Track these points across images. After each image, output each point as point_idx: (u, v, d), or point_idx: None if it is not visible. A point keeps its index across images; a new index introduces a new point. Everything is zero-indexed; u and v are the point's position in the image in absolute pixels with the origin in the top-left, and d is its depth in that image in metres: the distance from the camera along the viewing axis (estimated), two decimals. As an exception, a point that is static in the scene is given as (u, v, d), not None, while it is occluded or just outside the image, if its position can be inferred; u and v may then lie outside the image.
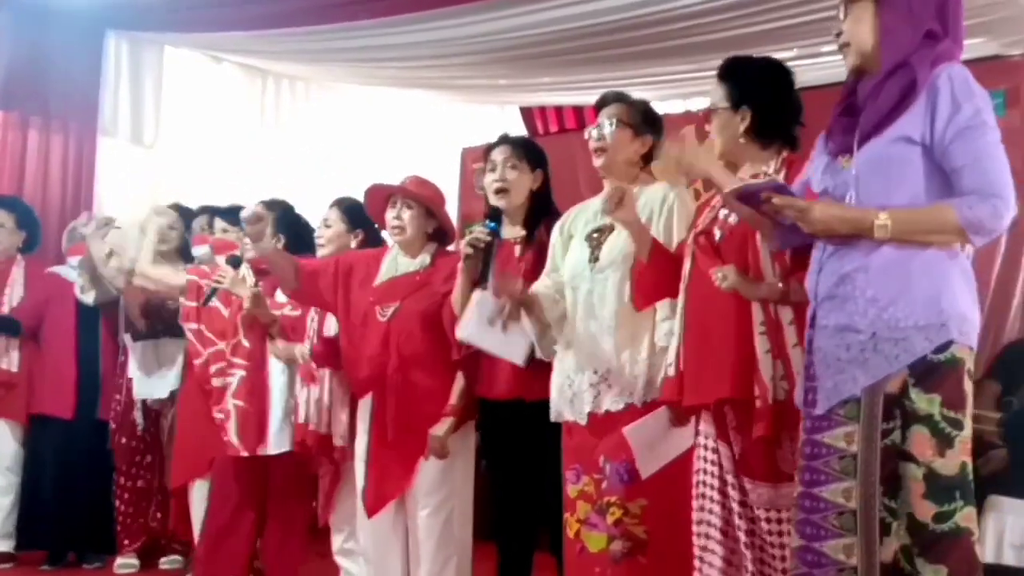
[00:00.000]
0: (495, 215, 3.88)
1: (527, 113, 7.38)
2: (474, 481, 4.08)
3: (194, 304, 4.88)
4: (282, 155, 7.39)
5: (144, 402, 5.43)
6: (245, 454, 4.56)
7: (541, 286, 3.62)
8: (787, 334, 2.88)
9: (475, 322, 3.62)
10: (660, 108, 6.96)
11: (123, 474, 5.49)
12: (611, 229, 3.48)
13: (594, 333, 3.45)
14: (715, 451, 3.04)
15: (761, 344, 2.89)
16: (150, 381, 5.37)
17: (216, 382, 4.74)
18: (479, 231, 3.72)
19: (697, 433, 3.11)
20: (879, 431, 2.49)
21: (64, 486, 5.51)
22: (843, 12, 2.64)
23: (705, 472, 3.06)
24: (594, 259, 3.49)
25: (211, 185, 6.68)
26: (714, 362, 2.96)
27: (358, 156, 7.46)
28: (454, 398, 3.92)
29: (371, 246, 4.50)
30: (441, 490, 3.96)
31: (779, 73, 3.14)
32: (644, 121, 3.59)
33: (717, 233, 3.04)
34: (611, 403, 3.41)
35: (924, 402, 2.45)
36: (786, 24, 4.75)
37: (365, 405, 4.11)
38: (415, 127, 7.75)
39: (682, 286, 3.12)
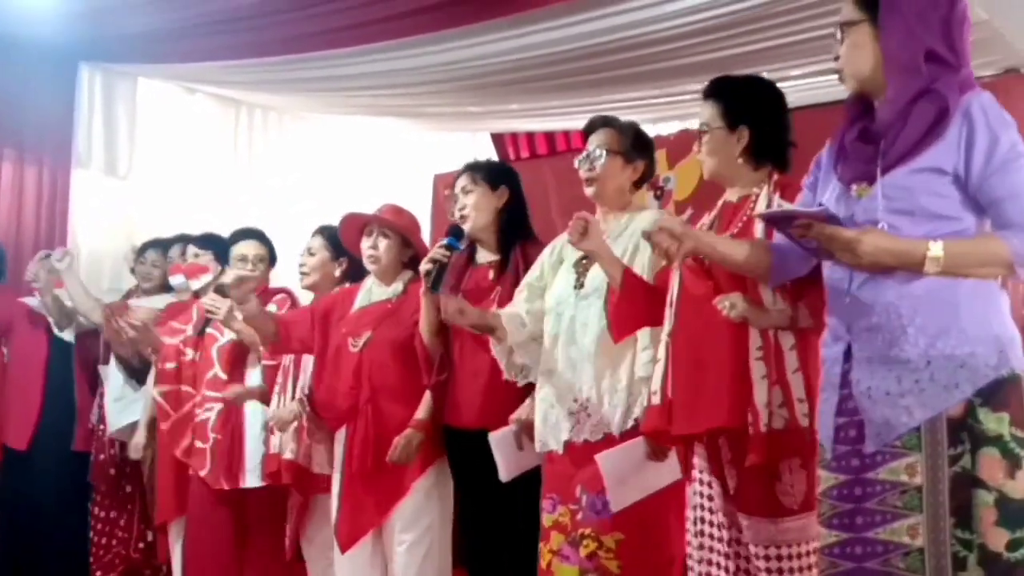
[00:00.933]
0: (457, 231, 3.82)
1: (498, 139, 7.43)
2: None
3: (172, 366, 4.85)
4: (256, 185, 7.39)
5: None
6: (225, 487, 4.53)
7: (511, 308, 3.59)
8: (788, 360, 2.82)
9: (509, 460, 3.59)
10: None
11: (99, 504, 5.44)
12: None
13: (575, 360, 3.41)
14: (709, 485, 2.95)
15: (757, 370, 2.81)
16: (122, 406, 5.33)
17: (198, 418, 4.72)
18: (438, 248, 3.71)
19: (692, 467, 3.01)
20: (946, 458, 2.34)
21: (37, 519, 5.45)
22: (840, 36, 2.56)
23: (702, 508, 2.98)
24: (579, 285, 3.46)
25: (186, 216, 6.65)
26: (708, 390, 2.86)
27: (331, 185, 7.47)
28: (421, 413, 3.88)
29: (355, 274, 4.50)
30: (419, 524, 3.94)
31: (772, 91, 3.11)
32: (634, 147, 3.55)
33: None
34: (590, 432, 3.37)
35: (993, 422, 2.33)
36: (756, 48, 4.84)
37: (339, 438, 4.10)
38: (387, 155, 7.76)
39: (669, 311, 3.04)
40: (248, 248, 4.81)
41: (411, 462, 3.89)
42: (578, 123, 4.59)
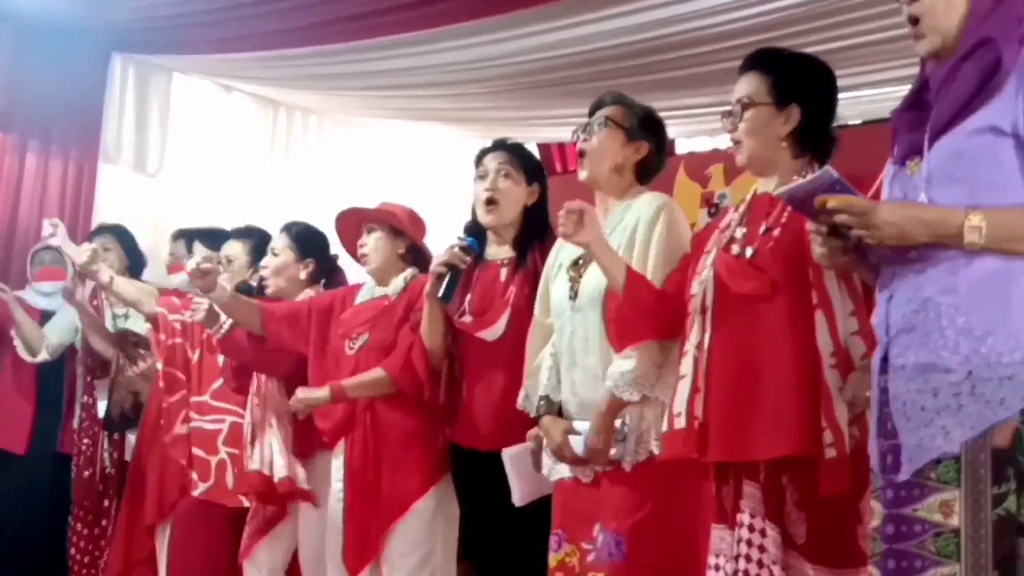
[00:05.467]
0: (476, 230, 3.46)
1: (545, 150, 7.10)
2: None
3: (169, 340, 4.51)
4: (291, 189, 7.15)
5: (111, 439, 5.10)
6: (248, 504, 4.20)
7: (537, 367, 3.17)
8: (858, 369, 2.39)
9: (525, 481, 3.20)
10: (687, 146, 6.81)
11: (79, 520, 5.11)
12: (591, 259, 2.97)
13: (580, 384, 2.99)
14: (762, 533, 2.45)
15: (833, 380, 2.38)
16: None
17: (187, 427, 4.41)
18: (457, 251, 3.33)
19: (738, 510, 2.51)
20: (989, 497, 1.96)
21: (21, 523, 5.17)
22: None
23: (748, 560, 2.47)
24: (572, 295, 3.03)
25: (215, 218, 6.39)
26: (767, 409, 2.43)
27: (370, 194, 7.17)
28: (350, 382, 3.66)
29: (323, 277, 4.18)
30: (419, 550, 3.58)
31: (826, 70, 2.71)
32: (641, 126, 3.11)
33: (748, 250, 2.55)
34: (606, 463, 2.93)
35: None
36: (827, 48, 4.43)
37: (338, 452, 3.75)
38: (428, 165, 7.52)
39: (700, 318, 2.59)
40: (230, 249, 4.57)
41: (302, 414, 3.68)
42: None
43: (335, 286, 4.18)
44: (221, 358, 4.38)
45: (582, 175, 3.09)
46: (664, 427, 2.65)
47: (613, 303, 2.84)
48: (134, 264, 5.39)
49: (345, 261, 4.34)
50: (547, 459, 3.10)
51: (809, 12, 4.26)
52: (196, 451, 4.37)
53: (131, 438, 5.02)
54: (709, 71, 4.90)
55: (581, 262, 3.04)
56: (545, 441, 3.08)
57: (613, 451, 2.88)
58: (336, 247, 4.30)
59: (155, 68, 6.65)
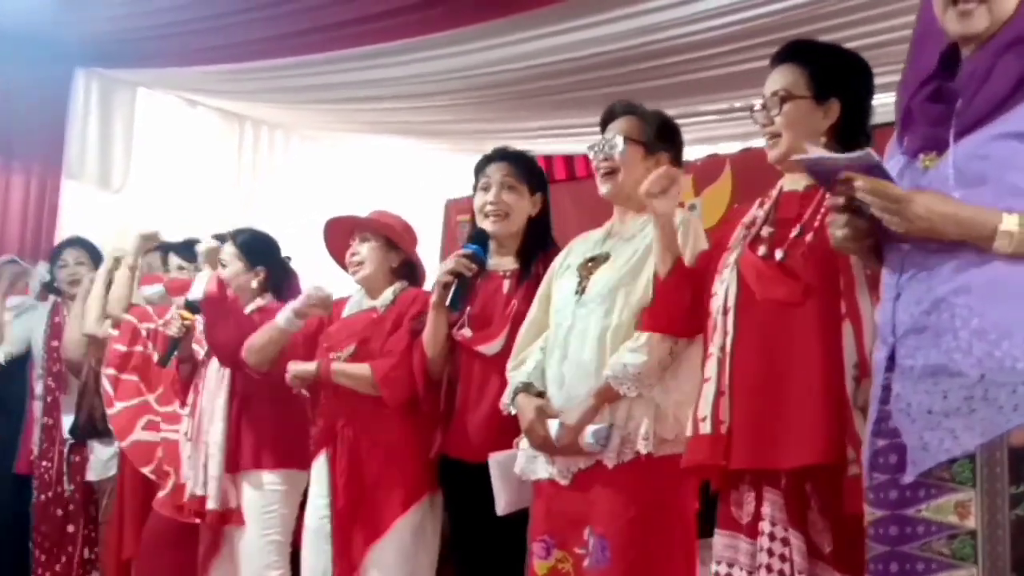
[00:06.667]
0: (481, 237, 3.39)
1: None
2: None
3: (123, 348, 4.43)
4: (258, 205, 7.06)
5: (70, 464, 4.99)
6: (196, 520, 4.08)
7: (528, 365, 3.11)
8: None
9: (511, 490, 3.13)
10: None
11: (39, 546, 5.00)
12: (605, 259, 2.98)
13: (570, 377, 2.93)
14: (785, 542, 2.36)
15: (852, 392, 2.32)
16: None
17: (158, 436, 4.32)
18: (460, 258, 3.28)
19: (760, 518, 2.41)
20: (1007, 498, 1.87)
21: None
22: None
23: (770, 570, 2.37)
24: (580, 290, 2.99)
25: (182, 235, 6.31)
26: (794, 417, 2.34)
27: (337, 209, 7.10)
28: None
29: (276, 285, 4.09)
30: (401, 572, 3.48)
31: (864, 66, 2.61)
32: (658, 136, 3.07)
33: (777, 252, 2.45)
34: (584, 460, 2.88)
35: None
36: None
37: (318, 467, 3.67)
38: (397, 179, 7.45)
39: (722, 319, 2.49)
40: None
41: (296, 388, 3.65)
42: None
43: (291, 293, 4.07)
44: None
45: (603, 191, 3.06)
46: (688, 431, 2.56)
47: (656, 283, 2.75)
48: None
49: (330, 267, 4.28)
50: (521, 458, 3.05)
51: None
52: (164, 464, 4.27)
53: (94, 457, 4.94)
54: (676, 83, 4.90)
55: (592, 263, 3.01)
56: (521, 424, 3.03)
57: (589, 440, 2.83)
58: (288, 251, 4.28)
59: (119, 83, 6.57)
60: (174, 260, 4.79)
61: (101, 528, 4.92)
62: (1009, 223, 1.89)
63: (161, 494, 4.23)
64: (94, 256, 5.21)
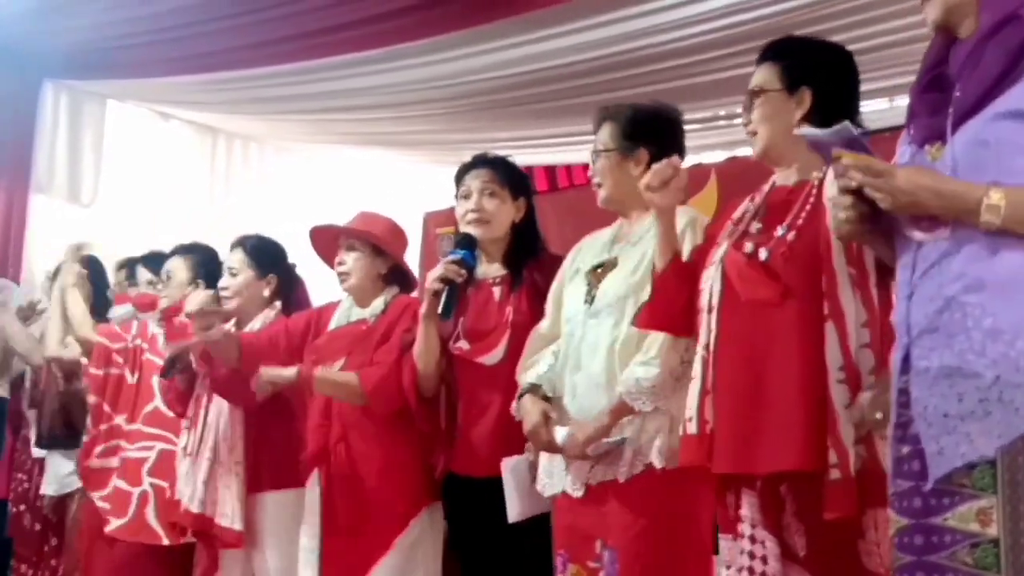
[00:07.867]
0: (469, 243, 3.29)
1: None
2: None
3: (100, 372, 4.28)
4: (231, 218, 6.88)
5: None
6: (167, 543, 3.98)
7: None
8: (865, 383, 2.27)
9: (523, 496, 3.04)
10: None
11: (23, 560, 4.89)
12: (613, 265, 2.90)
13: (581, 388, 2.86)
14: (763, 544, 2.36)
15: (839, 396, 2.25)
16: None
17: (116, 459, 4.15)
18: (449, 264, 3.18)
19: (739, 520, 2.42)
20: None
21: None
22: None
23: (752, 572, 2.37)
24: (589, 299, 2.90)
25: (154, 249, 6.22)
26: (773, 421, 2.31)
27: (313, 221, 7.02)
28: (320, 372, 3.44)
29: (288, 293, 3.93)
30: None
31: (839, 51, 2.60)
32: (631, 135, 2.99)
33: (762, 252, 2.42)
34: (603, 473, 2.80)
35: None
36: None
37: (312, 486, 3.53)
38: (373, 192, 7.35)
39: (707, 317, 2.48)
40: (171, 264, 4.31)
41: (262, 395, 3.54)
42: (582, 156, 4.10)
43: (298, 302, 3.96)
44: (155, 380, 4.16)
45: (600, 200, 3.02)
46: (681, 431, 2.55)
47: (654, 276, 2.69)
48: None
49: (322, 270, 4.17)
50: (542, 473, 2.98)
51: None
52: (119, 483, 4.10)
53: (50, 472, 4.84)
54: (657, 91, 4.75)
55: (601, 269, 2.93)
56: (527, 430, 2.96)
57: (591, 448, 2.77)
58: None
59: (88, 95, 6.50)
60: (143, 275, 4.64)
61: (69, 532, 4.79)
62: (994, 196, 1.84)
63: (119, 522, 4.06)
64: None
